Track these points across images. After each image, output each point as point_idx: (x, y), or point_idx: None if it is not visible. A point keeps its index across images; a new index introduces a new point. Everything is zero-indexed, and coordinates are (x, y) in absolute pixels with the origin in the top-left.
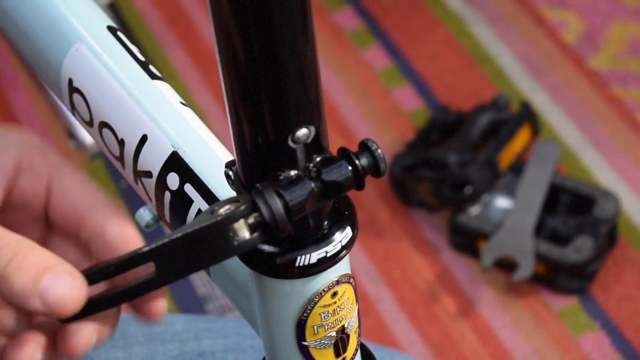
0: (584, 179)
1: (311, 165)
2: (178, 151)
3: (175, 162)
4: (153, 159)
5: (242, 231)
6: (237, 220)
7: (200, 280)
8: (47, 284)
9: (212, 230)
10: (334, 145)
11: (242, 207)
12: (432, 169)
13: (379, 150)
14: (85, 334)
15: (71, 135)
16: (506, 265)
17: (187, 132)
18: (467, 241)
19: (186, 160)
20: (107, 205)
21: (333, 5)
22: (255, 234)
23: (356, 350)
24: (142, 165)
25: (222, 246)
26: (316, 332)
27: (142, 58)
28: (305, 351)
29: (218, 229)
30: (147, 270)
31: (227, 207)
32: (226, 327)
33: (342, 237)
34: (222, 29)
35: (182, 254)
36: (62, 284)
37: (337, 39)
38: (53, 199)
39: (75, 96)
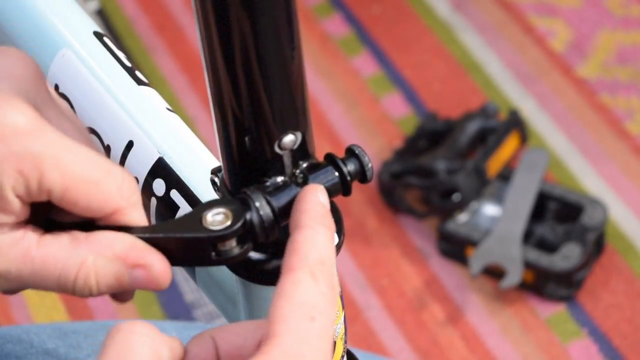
0: (571, 186)
1: (297, 171)
2: (164, 157)
3: (161, 168)
4: (139, 165)
5: (230, 242)
6: (228, 238)
7: (188, 286)
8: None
9: (199, 241)
10: (322, 152)
11: (233, 223)
12: (420, 176)
13: (366, 156)
14: None
15: None
16: (494, 273)
17: (173, 138)
18: (455, 248)
19: (172, 166)
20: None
21: (322, 13)
22: (245, 247)
23: (342, 357)
24: None
25: (207, 256)
26: None
27: (128, 64)
28: None
29: (205, 241)
30: None
31: (215, 211)
32: None
33: None
34: (208, 35)
35: (167, 249)
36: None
37: (326, 47)
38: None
39: None
